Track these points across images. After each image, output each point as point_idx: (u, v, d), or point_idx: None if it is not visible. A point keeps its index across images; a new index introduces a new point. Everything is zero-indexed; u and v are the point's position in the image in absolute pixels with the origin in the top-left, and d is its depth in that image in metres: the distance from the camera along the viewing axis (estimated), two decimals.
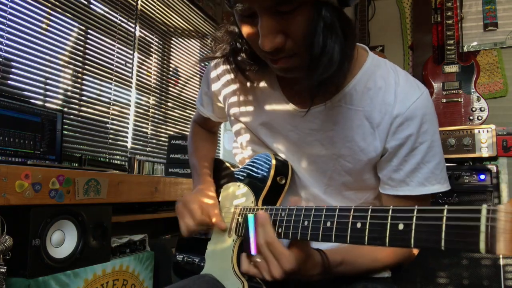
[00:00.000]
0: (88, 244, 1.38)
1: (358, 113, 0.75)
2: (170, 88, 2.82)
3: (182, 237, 1.01)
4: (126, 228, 1.81)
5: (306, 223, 0.62)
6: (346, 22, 0.66)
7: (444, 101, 2.77)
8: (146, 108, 2.57)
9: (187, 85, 3.01)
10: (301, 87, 0.74)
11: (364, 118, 0.75)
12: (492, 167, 1.88)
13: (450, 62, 2.81)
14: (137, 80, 2.48)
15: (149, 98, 2.59)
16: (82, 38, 2.08)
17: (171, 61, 2.84)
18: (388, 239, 0.49)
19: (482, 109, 2.65)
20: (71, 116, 1.99)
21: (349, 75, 0.74)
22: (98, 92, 2.19)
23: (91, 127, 2.10)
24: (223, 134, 3.34)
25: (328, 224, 0.58)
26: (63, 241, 1.32)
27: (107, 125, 2.22)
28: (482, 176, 1.88)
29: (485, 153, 1.92)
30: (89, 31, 2.12)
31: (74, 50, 2.02)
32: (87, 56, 2.10)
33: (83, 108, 2.07)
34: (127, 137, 2.38)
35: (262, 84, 0.85)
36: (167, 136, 2.63)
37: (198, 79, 3.11)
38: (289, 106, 0.81)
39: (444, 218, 0.43)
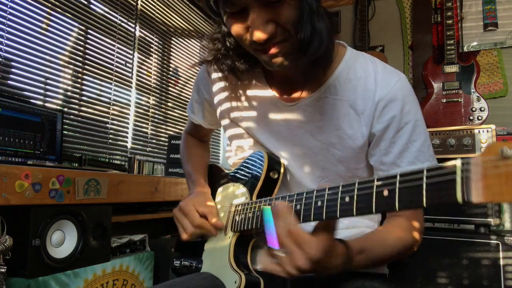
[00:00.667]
0: (88, 244, 1.38)
1: (343, 103, 0.80)
2: (170, 88, 2.82)
3: (179, 243, 1.02)
4: (126, 228, 1.81)
5: (298, 206, 0.64)
6: (326, 11, 0.73)
7: (444, 101, 2.77)
8: (146, 108, 2.57)
9: (187, 85, 3.01)
10: (288, 75, 0.79)
11: (349, 107, 0.80)
12: None
13: (450, 62, 2.81)
14: (137, 80, 2.48)
15: (149, 98, 2.59)
16: (82, 38, 2.08)
17: (171, 61, 2.84)
18: (375, 206, 0.52)
19: (482, 109, 2.65)
20: (71, 116, 1.99)
21: (331, 68, 0.80)
22: (98, 92, 2.19)
23: (91, 127, 2.10)
24: (223, 134, 3.35)
25: (319, 203, 0.61)
26: (63, 241, 1.32)
27: (107, 125, 2.22)
28: None
29: (484, 147, 1.92)
30: (89, 31, 2.12)
31: (74, 50, 2.02)
32: (87, 56, 2.10)
33: (83, 108, 2.07)
34: (127, 137, 2.38)
35: (252, 83, 0.88)
36: (167, 136, 2.63)
37: None
38: (278, 102, 0.85)
39: (424, 178, 0.47)
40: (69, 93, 1.99)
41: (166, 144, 2.43)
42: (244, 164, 0.91)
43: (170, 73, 2.83)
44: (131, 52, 2.43)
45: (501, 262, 1.66)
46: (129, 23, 2.41)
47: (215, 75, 0.94)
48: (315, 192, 0.63)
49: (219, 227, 0.87)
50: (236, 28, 0.70)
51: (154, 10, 2.64)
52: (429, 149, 0.80)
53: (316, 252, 0.60)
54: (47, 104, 1.84)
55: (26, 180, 1.14)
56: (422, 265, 1.81)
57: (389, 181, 0.51)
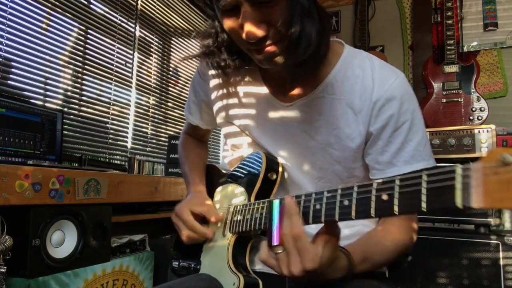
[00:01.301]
0: (88, 244, 1.38)
1: (341, 102, 0.79)
2: (170, 88, 2.82)
3: (177, 244, 1.02)
4: (126, 228, 1.81)
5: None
6: (321, 11, 0.72)
7: (444, 101, 2.77)
8: (146, 108, 2.57)
9: (187, 85, 3.01)
10: (283, 74, 0.78)
11: (346, 106, 0.79)
12: None
13: (450, 62, 2.81)
14: (137, 80, 2.47)
15: (149, 98, 2.59)
16: (82, 38, 2.08)
17: (171, 61, 2.84)
18: (374, 210, 0.53)
19: (482, 109, 2.65)
20: (71, 116, 1.99)
21: (328, 67, 0.79)
22: (98, 92, 2.19)
23: (91, 127, 2.10)
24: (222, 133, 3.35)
25: (318, 206, 0.61)
26: (63, 241, 1.32)
27: (107, 125, 2.22)
28: None
29: (485, 153, 1.92)
30: (89, 31, 2.12)
31: (74, 50, 2.02)
32: (87, 56, 2.10)
33: (83, 108, 2.07)
34: (127, 137, 2.38)
35: (247, 83, 0.88)
36: (167, 136, 2.63)
37: None
38: (275, 101, 0.84)
39: (423, 182, 0.47)
40: (69, 93, 1.99)
41: (166, 144, 2.43)
42: (242, 164, 0.91)
43: (170, 73, 2.83)
44: (131, 52, 2.43)
45: (501, 262, 1.66)
46: (129, 23, 2.41)
47: (210, 74, 0.94)
48: (314, 194, 0.62)
49: (220, 220, 0.86)
50: (229, 25, 0.70)
51: (154, 10, 2.64)
52: (426, 147, 0.79)
53: (314, 264, 0.59)
54: (47, 104, 1.84)
55: (26, 180, 1.14)
56: (422, 265, 1.81)
57: (388, 185, 0.51)
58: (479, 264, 1.69)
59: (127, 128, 2.39)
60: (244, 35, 0.67)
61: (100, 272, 1.43)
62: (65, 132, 1.90)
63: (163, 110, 2.73)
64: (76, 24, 2.04)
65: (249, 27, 0.66)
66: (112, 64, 2.27)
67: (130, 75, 2.41)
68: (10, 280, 1.16)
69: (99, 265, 1.43)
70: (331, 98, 0.79)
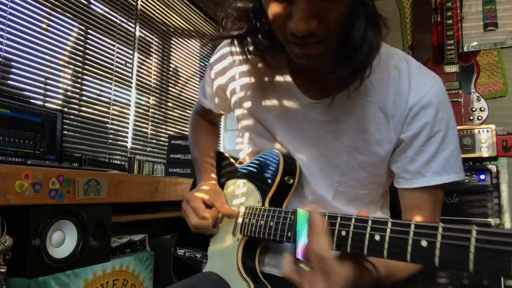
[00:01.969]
0: (88, 244, 1.38)
1: (373, 104, 0.74)
2: (170, 88, 2.82)
3: (182, 232, 1.00)
4: (126, 228, 1.81)
5: (343, 232, 0.58)
6: (380, 16, 0.65)
7: None
8: (146, 108, 2.57)
9: (187, 85, 3.01)
10: (320, 72, 0.72)
11: (378, 109, 0.74)
12: (492, 167, 1.88)
13: (450, 62, 2.81)
14: (137, 80, 2.47)
15: (149, 98, 2.59)
16: (82, 38, 2.08)
17: (171, 61, 2.84)
18: (410, 255, 0.48)
19: (482, 109, 2.65)
20: (71, 116, 1.99)
21: None
22: (98, 92, 2.19)
23: (91, 127, 2.10)
24: (223, 134, 3.34)
25: (343, 233, 0.56)
26: (63, 241, 1.32)
27: (107, 125, 2.22)
28: (482, 176, 1.88)
29: (485, 153, 1.92)
30: (89, 31, 2.12)
31: (74, 50, 2.02)
32: (87, 56, 2.10)
33: (83, 108, 2.07)
34: (127, 137, 2.38)
35: (273, 74, 0.82)
36: (167, 136, 2.63)
37: (198, 79, 3.11)
38: (302, 97, 0.78)
39: (473, 239, 0.42)
40: (69, 93, 1.99)
41: (166, 144, 2.43)
42: (258, 162, 0.86)
43: (170, 73, 2.83)
44: (131, 52, 2.43)
45: None
46: (129, 23, 2.41)
47: (232, 63, 0.87)
48: (339, 218, 0.58)
49: (230, 214, 0.85)
50: (275, 10, 0.62)
51: (154, 10, 2.64)
52: (457, 159, 0.74)
53: (340, 287, 0.55)
54: (47, 104, 1.84)
55: (26, 180, 1.14)
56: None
57: (429, 231, 0.46)
58: None
59: (127, 128, 2.39)
60: (291, 25, 0.60)
61: (100, 272, 1.43)
62: (65, 132, 1.90)
63: (163, 110, 2.73)
64: (76, 24, 2.04)
65: (299, 19, 0.58)
66: (112, 64, 2.27)
67: (130, 75, 2.41)
68: (10, 280, 1.15)
69: (99, 265, 1.43)
70: (363, 99, 0.74)
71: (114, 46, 2.29)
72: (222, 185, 0.95)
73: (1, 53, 1.66)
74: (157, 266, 1.76)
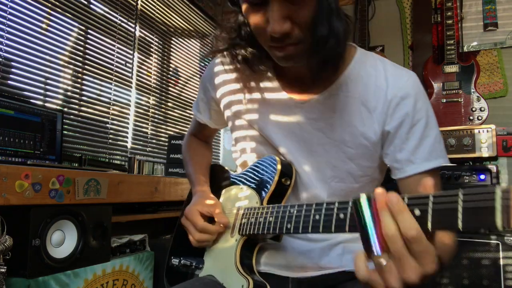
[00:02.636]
0: (88, 244, 1.38)
1: (355, 100, 0.80)
2: (170, 88, 2.82)
3: (177, 241, 1.02)
4: (126, 228, 1.81)
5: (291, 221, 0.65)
6: (343, 12, 0.72)
7: (444, 101, 2.77)
8: (146, 108, 2.57)
9: (187, 85, 3.01)
10: (300, 71, 0.79)
11: (360, 104, 0.80)
12: (492, 167, 1.88)
13: (450, 62, 2.81)
14: (137, 80, 2.47)
15: (149, 98, 2.59)
16: (82, 38, 2.08)
17: (171, 61, 2.84)
18: None
19: (482, 109, 2.65)
20: (71, 116, 1.99)
21: (342, 66, 0.80)
22: (98, 92, 2.19)
23: (91, 127, 2.10)
24: (223, 134, 3.34)
25: (317, 216, 0.61)
26: (63, 241, 1.32)
27: (107, 125, 2.22)
28: (482, 176, 1.88)
29: (485, 153, 1.92)
30: (89, 31, 2.12)
31: (74, 50, 2.02)
32: (87, 56, 2.10)
33: (83, 108, 2.07)
34: (127, 137, 2.38)
35: (261, 81, 0.88)
36: (167, 136, 2.63)
37: (198, 79, 3.11)
38: (288, 98, 0.84)
39: (460, 201, 0.46)
40: (69, 93, 1.99)
41: (166, 144, 2.43)
42: (255, 167, 0.90)
43: (170, 73, 2.83)
44: (131, 52, 2.43)
45: (501, 262, 1.66)
46: (129, 23, 2.41)
47: (223, 73, 0.93)
48: (314, 205, 0.63)
49: (225, 225, 0.86)
50: (255, 19, 0.70)
51: (154, 10, 2.64)
52: (441, 144, 0.80)
53: (435, 265, 0.49)
54: (47, 104, 1.84)
55: (26, 180, 1.14)
56: None
57: (420, 201, 0.50)
58: (479, 264, 1.69)
59: (127, 128, 2.39)
60: (269, 29, 0.67)
61: (100, 272, 1.43)
62: (65, 132, 1.90)
63: (163, 110, 2.73)
64: (76, 24, 2.04)
65: (275, 21, 0.66)
66: (112, 64, 2.27)
67: (130, 75, 2.41)
68: (10, 280, 1.16)
69: (99, 265, 1.43)
70: (345, 96, 0.80)
71: (114, 46, 2.29)
72: (220, 194, 0.96)
73: (1, 53, 1.66)
74: (157, 266, 1.76)
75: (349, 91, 0.80)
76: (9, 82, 1.70)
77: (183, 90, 2.96)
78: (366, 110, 0.79)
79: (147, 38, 2.59)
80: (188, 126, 2.82)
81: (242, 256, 0.80)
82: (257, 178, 0.87)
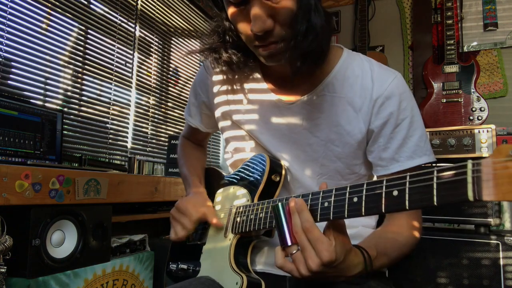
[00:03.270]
0: (88, 244, 1.38)
1: (341, 100, 0.81)
2: (170, 88, 2.82)
3: (174, 246, 1.02)
4: (126, 228, 1.81)
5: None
6: (325, 11, 0.74)
7: (444, 101, 2.77)
8: (146, 108, 2.57)
9: (187, 85, 3.01)
10: (286, 71, 0.80)
11: (346, 103, 0.81)
12: None
13: (450, 62, 2.81)
14: (137, 80, 2.48)
15: (149, 98, 2.59)
16: (82, 38, 2.08)
17: (171, 61, 2.84)
18: (384, 205, 0.54)
19: (482, 109, 2.65)
20: (71, 116, 1.99)
21: (328, 67, 0.81)
22: (98, 92, 2.19)
23: (91, 127, 2.10)
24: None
25: (326, 204, 0.62)
26: (63, 241, 1.32)
27: (107, 125, 2.22)
28: None
29: (485, 153, 1.92)
30: (89, 31, 2.12)
31: (74, 50, 2.02)
32: (87, 56, 2.10)
33: (83, 108, 2.07)
34: (127, 137, 2.38)
35: (248, 81, 0.90)
36: (167, 136, 2.63)
37: None
38: (276, 100, 0.85)
39: (434, 178, 0.49)
40: (69, 93, 1.99)
41: (166, 144, 2.43)
42: (245, 166, 0.91)
43: (170, 73, 2.83)
44: (131, 52, 2.43)
45: (501, 262, 1.66)
46: (129, 23, 2.41)
47: (213, 73, 0.95)
48: (321, 193, 0.63)
49: (219, 227, 0.87)
50: (239, 20, 0.72)
51: (154, 10, 2.64)
52: (426, 143, 0.81)
53: (330, 254, 0.59)
54: (47, 104, 1.84)
55: (26, 180, 1.14)
56: (422, 265, 1.81)
57: (398, 181, 0.53)
58: (479, 264, 1.69)
59: (127, 128, 2.39)
60: (251, 27, 0.69)
61: (100, 272, 1.43)
62: (65, 132, 1.90)
63: (163, 110, 2.73)
64: (76, 24, 2.04)
65: (255, 19, 0.68)
66: (112, 64, 2.27)
67: (130, 75, 2.41)
68: (10, 280, 1.16)
69: (99, 265, 1.43)
70: (332, 96, 0.82)
71: (114, 46, 2.29)
72: (213, 196, 0.97)
73: (1, 53, 1.66)
74: (157, 266, 1.76)
75: (336, 91, 0.81)
76: (9, 82, 1.70)
77: (183, 90, 2.96)
78: (352, 110, 0.81)
79: (147, 38, 2.59)
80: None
81: (236, 255, 0.81)
82: (248, 177, 0.88)
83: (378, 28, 3.38)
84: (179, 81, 2.94)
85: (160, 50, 2.74)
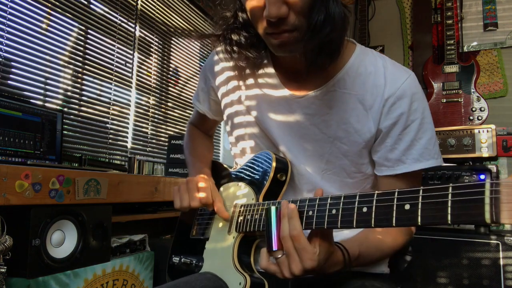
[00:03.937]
0: (88, 244, 1.38)
1: (352, 97, 0.79)
2: (170, 88, 2.82)
3: (178, 239, 1.02)
4: (126, 228, 1.81)
5: (310, 212, 0.64)
6: (342, 3, 0.71)
7: (444, 101, 2.77)
8: (146, 108, 2.57)
9: (187, 85, 3.01)
10: (298, 64, 0.78)
11: (357, 101, 0.79)
12: (492, 167, 1.88)
13: (450, 62, 2.81)
14: (137, 80, 2.47)
15: (149, 98, 2.59)
16: (82, 38, 2.08)
17: (171, 61, 2.84)
18: (395, 219, 0.52)
19: (482, 109, 2.65)
20: (71, 116, 1.99)
21: (341, 62, 0.79)
22: (98, 92, 2.19)
23: (91, 127, 2.10)
24: (223, 134, 3.34)
25: (334, 211, 0.60)
26: (63, 241, 1.32)
27: (107, 125, 2.22)
28: (482, 176, 1.88)
29: (485, 153, 1.92)
30: (89, 31, 2.12)
31: (74, 50, 2.02)
32: (87, 56, 2.10)
33: (83, 108, 2.07)
34: (127, 137, 2.38)
35: (259, 73, 0.88)
36: (167, 136, 2.63)
37: (198, 79, 3.11)
38: (286, 93, 0.84)
39: (449, 194, 0.46)
40: (69, 93, 1.99)
41: (166, 144, 2.43)
42: (251, 163, 0.90)
43: (170, 73, 2.83)
44: (131, 52, 2.43)
45: (501, 262, 1.66)
46: (129, 23, 2.41)
47: (223, 63, 0.93)
48: (329, 199, 0.62)
49: (224, 218, 0.86)
50: (252, 4, 0.69)
51: (154, 10, 2.64)
52: (435, 146, 0.79)
53: (312, 263, 0.61)
54: (47, 104, 1.84)
55: (26, 180, 1.14)
56: (422, 265, 1.81)
57: (411, 194, 0.51)
58: (479, 264, 1.69)
59: (127, 128, 2.39)
60: (265, 13, 0.66)
61: (100, 272, 1.43)
62: (65, 132, 1.90)
63: (163, 110, 2.73)
64: (76, 24, 2.04)
65: (270, 4, 0.65)
66: (112, 64, 2.27)
67: (130, 75, 2.41)
68: (10, 280, 1.15)
69: (99, 265, 1.43)
70: (343, 92, 0.79)
71: (114, 46, 2.29)
72: (219, 190, 0.96)
73: (1, 53, 1.66)
74: (157, 266, 1.76)
75: (347, 88, 0.79)
76: (9, 82, 1.70)
77: (183, 90, 2.96)
78: (362, 108, 0.79)
79: (147, 38, 2.59)
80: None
81: (239, 254, 0.81)
82: (253, 175, 0.87)
83: (378, 28, 3.38)
84: (179, 81, 2.94)
85: (160, 50, 2.74)
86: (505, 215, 0.41)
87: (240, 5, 0.77)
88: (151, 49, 2.63)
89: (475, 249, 1.70)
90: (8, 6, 1.69)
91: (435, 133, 0.80)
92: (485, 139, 1.93)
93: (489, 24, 2.96)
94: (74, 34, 2.03)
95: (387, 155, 0.80)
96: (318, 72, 0.79)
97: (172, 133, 2.76)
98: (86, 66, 2.09)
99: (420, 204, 0.49)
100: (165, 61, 2.79)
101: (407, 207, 0.51)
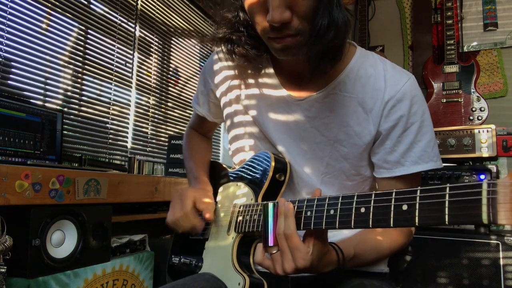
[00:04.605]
0: (88, 244, 1.38)
1: (352, 100, 0.80)
2: (170, 88, 2.82)
3: (177, 239, 1.02)
4: (126, 228, 1.81)
5: (308, 213, 0.65)
6: (345, 7, 0.71)
7: (444, 101, 2.77)
8: (146, 108, 2.57)
9: (187, 85, 3.01)
10: (299, 67, 0.79)
11: (357, 104, 0.79)
12: (492, 167, 1.88)
13: (450, 62, 2.81)
14: (137, 80, 2.47)
15: (149, 98, 2.59)
16: (82, 38, 2.08)
17: (171, 61, 2.84)
18: (393, 220, 0.52)
19: (482, 109, 2.65)
20: (71, 116, 1.99)
21: (341, 65, 0.79)
22: (98, 92, 2.19)
23: (91, 127, 2.10)
24: (223, 134, 3.35)
25: (332, 212, 0.61)
26: (63, 241, 1.32)
27: (107, 125, 2.22)
28: (482, 176, 1.88)
29: (485, 153, 1.92)
30: (89, 31, 2.12)
31: (74, 50, 2.02)
32: (87, 56, 2.10)
33: (83, 108, 2.07)
34: (127, 137, 2.38)
35: (260, 76, 0.87)
36: (167, 136, 2.63)
37: (198, 79, 3.11)
38: (286, 95, 0.84)
39: (447, 195, 0.46)
40: (69, 93, 1.99)
41: (166, 144, 2.43)
42: (249, 164, 0.90)
43: (170, 73, 2.83)
44: (131, 52, 2.43)
45: (501, 262, 1.66)
46: (129, 23, 2.41)
47: (222, 66, 0.93)
48: (327, 200, 0.62)
49: (208, 220, 0.87)
50: (254, 8, 0.69)
51: (154, 10, 2.64)
52: (434, 149, 0.80)
53: (305, 262, 0.63)
54: (47, 104, 1.84)
55: (26, 180, 1.14)
56: (422, 265, 1.81)
57: (408, 195, 0.51)
58: (479, 264, 1.69)
59: (127, 128, 2.39)
60: (268, 17, 0.66)
61: (100, 272, 1.43)
62: (65, 132, 1.90)
63: (163, 110, 2.73)
64: (76, 24, 2.04)
65: (273, 9, 0.65)
66: (112, 64, 2.27)
67: (130, 75, 2.41)
68: (10, 280, 1.16)
69: (99, 265, 1.43)
70: (343, 95, 0.80)
71: (114, 46, 2.29)
72: (216, 192, 0.97)
73: (1, 53, 1.66)
74: (157, 266, 1.76)
75: (347, 91, 0.80)
76: (9, 82, 1.70)
77: (183, 90, 2.96)
78: (362, 111, 0.79)
79: (147, 38, 2.59)
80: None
81: (239, 254, 0.81)
82: (252, 175, 0.87)
83: (378, 28, 3.37)
84: (179, 81, 2.94)
85: (160, 50, 2.74)
86: (502, 215, 0.41)
87: (241, 6, 0.77)
88: (151, 49, 2.63)
89: (475, 249, 1.70)
90: (8, 6, 1.69)
91: (434, 136, 0.81)
92: (485, 139, 1.92)
93: (489, 24, 2.96)
94: (74, 34, 2.03)
95: (386, 157, 0.80)
96: (318, 75, 0.79)
97: (172, 133, 2.76)
98: (86, 66, 2.09)
99: (417, 204, 0.49)
100: (165, 61, 2.79)
101: (404, 207, 0.51)
